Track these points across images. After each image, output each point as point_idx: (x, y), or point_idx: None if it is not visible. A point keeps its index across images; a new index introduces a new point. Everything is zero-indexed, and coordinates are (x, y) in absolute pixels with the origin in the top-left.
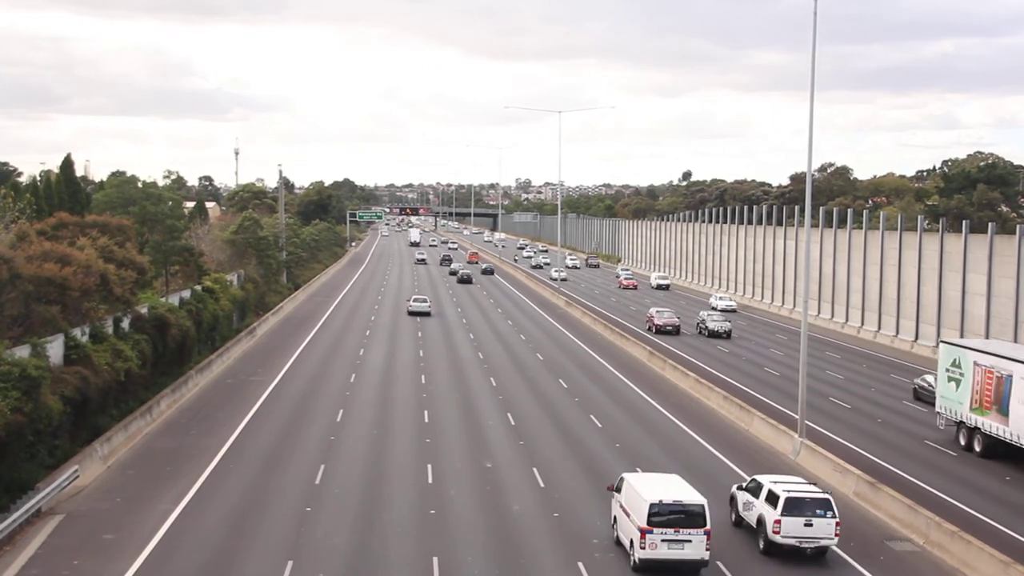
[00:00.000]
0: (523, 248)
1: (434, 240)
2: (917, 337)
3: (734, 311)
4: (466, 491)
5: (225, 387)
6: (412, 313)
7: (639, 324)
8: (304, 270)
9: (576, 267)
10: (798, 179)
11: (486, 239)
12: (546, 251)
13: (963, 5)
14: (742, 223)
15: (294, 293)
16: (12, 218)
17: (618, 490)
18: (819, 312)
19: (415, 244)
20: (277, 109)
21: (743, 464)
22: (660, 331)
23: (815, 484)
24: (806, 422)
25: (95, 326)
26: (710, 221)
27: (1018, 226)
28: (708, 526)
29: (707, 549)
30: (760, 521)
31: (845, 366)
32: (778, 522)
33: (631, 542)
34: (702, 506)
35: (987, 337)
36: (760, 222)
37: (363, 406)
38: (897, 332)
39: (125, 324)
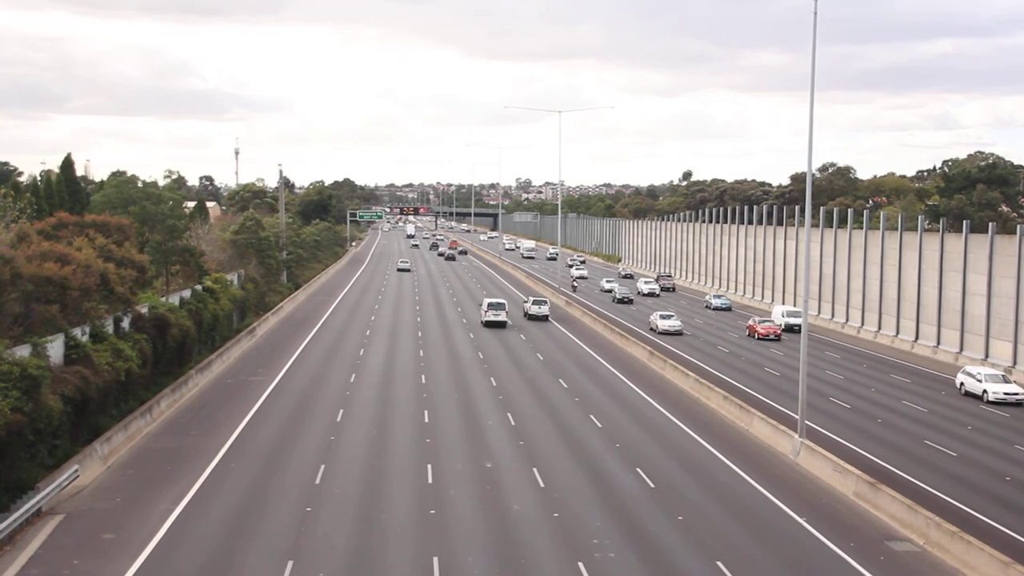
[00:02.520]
0: (552, 256)
1: (427, 234)
2: (917, 337)
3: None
4: (466, 491)
5: (225, 387)
6: (400, 270)
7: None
8: (304, 270)
9: (654, 293)
10: (798, 179)
11: (508, 247)
12: (584, 262)
13: (961, 6)
14: (742, 223)
15: (294, 293)
16: (12, 218)
17: (480, 305)
18: (819, 312)
19: (411, 236)
20: (276, 109)
21: (742, 463)
22: None
23: (544, 296)
24: (806, 422)
25: (95, 326)
26: (710, 221)
27: (1018, 226)
28: (507, 309)
29: (506, 318)
30: (527, 310)
31: (845, 366)
32: (530, 307)
33: (482, 316)
34: (504, 303)
35: (987, 337)
36: (760, 222)
37: (363, 406)
38: (897, 332)
39: (125, 324)
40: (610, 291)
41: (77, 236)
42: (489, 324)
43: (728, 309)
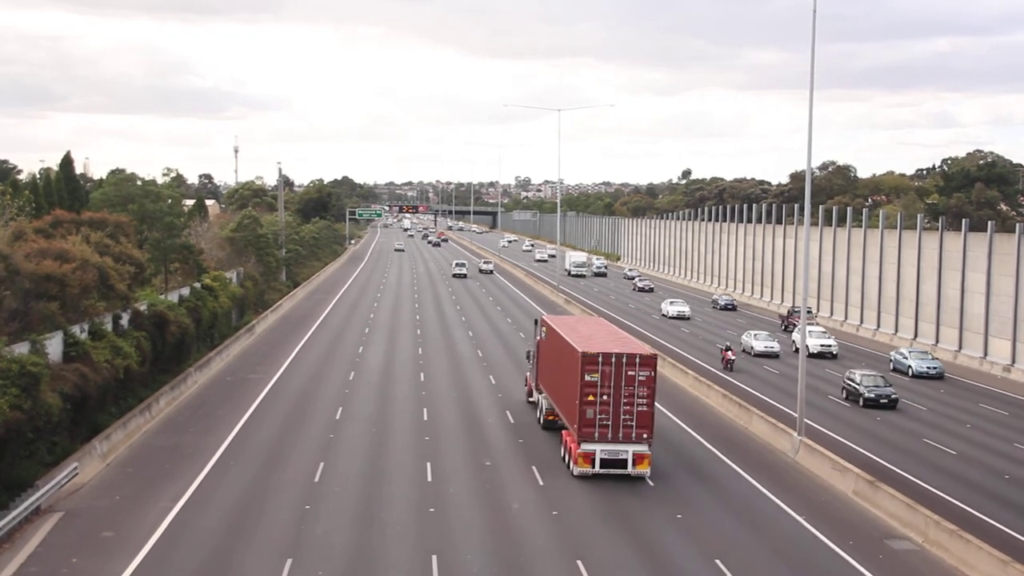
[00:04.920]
0: (600, 271)
1: (420, 228)
2: (916, 335)
3: None
4: (465, 489)
5: (224, 385)
6: (396, 250)
7: None
8: (303, 268)
9: (830, 352)
10: (798, 177)
11: (537, 258)
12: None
13: (958, 4)
14: (742, 221)
15: (293, 291)
16: (11, 216)
17: (451, 264)
18: (818, 310)
19: (407, 229)
20: (275, 108)
21: (741, 461)
22: None
23: (490, 260)
24: (805, 420)
25: (94, 323)
26: (710, 219)
27: (1017, 224)
28: (467, 268)
29: (466, 274)
30: (481, 268)
31: (845, 364)
32: (482, 264)
33: (453, 271)
34: (465, 264)
35: (986, 335)
36: (760, 220)
37: (362, 404)
38: (896, 330)
39: (124, 321)
40: (769, 352)
41: (72, 233)
42: (456, 276)
43: (941, 377)
